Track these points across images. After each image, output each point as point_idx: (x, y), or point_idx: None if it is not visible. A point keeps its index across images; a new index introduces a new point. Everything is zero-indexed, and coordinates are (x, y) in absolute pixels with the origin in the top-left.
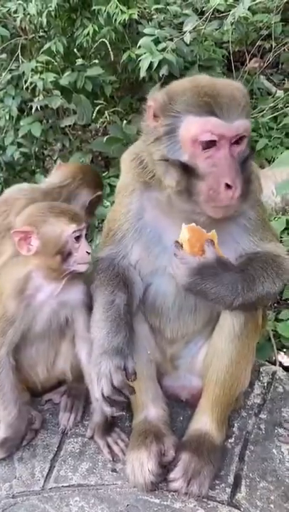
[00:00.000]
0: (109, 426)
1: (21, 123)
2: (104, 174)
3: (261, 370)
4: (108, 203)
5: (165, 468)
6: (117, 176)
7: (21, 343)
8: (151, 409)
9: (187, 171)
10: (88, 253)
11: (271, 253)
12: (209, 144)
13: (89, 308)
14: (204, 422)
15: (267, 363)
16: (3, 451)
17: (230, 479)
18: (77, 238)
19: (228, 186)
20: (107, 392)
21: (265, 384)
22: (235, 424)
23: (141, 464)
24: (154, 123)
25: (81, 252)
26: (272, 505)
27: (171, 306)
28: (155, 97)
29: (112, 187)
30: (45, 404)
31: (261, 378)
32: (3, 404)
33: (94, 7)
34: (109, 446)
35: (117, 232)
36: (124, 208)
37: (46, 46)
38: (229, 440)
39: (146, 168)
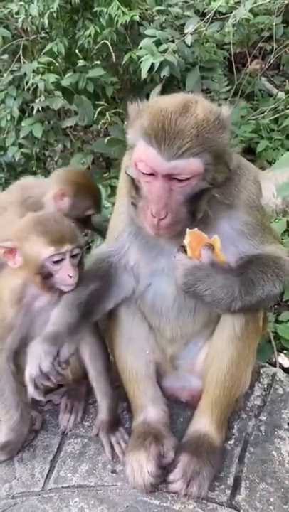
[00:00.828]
0: (114, 424)
1: (23, 124)
2: (105, 175)
3: (261, 371)
4: (109, 204)
5: (165, 469)
6: (118, 177)
7: (21, 348)
8: (150, 411)
9: (136, 187)
10: (71, 276)
11: (272, 255)
12: (147, 172)
13: None
14: (204, 423)
15: (267, 364)
16: (4, 454)
17: (230, 481)
18: (59, 260)
19: (153, 216)
20: (33, 375)
21: (265, 386)
22: (235, 426)
23: (140, 465)
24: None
25: (62, 275)
26: (271, 507)
27: (171, 306)
28: (130, 109)
29: (113, 188)
30: (45, 405)
31: (261, 380)
32: (4, 409)
33: (96, 8)
34: (111, 445)
35: (114, 230)
36: (119, 209)
37: (48, 47)
38: (229, 442)
39: None
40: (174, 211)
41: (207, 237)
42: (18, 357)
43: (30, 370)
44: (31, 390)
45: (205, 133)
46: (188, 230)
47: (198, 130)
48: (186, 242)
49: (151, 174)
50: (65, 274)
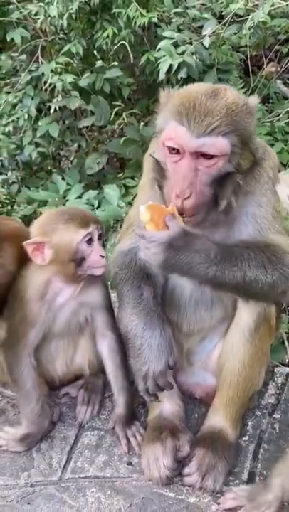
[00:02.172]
0: (130, 418)
1: (39, 123)
2: (119, 175)
3: (276, 371)
4: (123, 204)
5: (180, 463)
6: (132, 178)
7: (41, 341)
8: (166, 405)
9: (161, 169)
10: (102, 256)
11: (269, 240)
12: (174, 151)
13: (108, 306)
14: (219, 419)
15: (280, 364)
16: (23, 446)
17: (245, 476)
18: (90, 241)
19: (177, 196)
20: (152, 390)
21: (280, 385)
22: (250, 423)
23: (156, 458)
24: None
25: (94, 257)
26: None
27: (188, 300)
28: (162, 95)
29: (127, 188)
30: (63, 397)
31: (275, 379)
32: (26, 402)
33: (114, 10)
34: (127, 439)
35: (136, 226)
36: (141, 203)
37: (66, 48)
38: (243, 438)
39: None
40: (198, 192)
41: (164, 206)
42: (38, 351)
43: (148, 387)
44: (149, 399)
45: (234, 115)
46: (141, 206)
47: (227, 111)
48: (144, 218)
49: (179, 154)
50: (97, 255)
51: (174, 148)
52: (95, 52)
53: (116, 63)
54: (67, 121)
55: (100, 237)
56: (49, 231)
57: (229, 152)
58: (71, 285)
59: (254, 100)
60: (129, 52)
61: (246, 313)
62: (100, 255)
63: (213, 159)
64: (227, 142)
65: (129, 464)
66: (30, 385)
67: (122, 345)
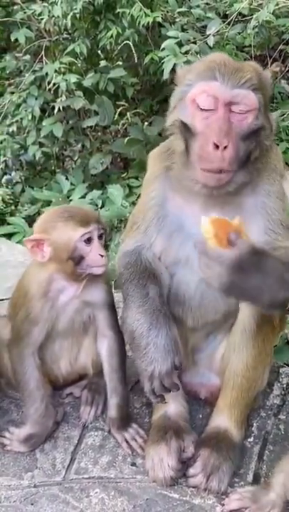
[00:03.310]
0: (124, 421)
1: (43, 123)
2: (123, 175)
3: (281, 371)
4: (127, 203)
5: (184, 464)
6: (136, 177)
7: (45, 340)
8: (170, 405)
9: (188, 132)
10: (102, 255)
11: (284, 247)
12: (206, 106)
13: (110, 305)
14: (223, 420)
15: (285, 365)
16: (27, 447)
17: (250, 478)
18: (89, 240)
19: (216, 146)
20: (158, 391)
21: (285, 385)
22: (255, 424)
23: (160, 459)
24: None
25: (93, 256)
26: None
27: (194, 294)
28: (179, 71)
29: (131, 188)
30: (66, 397)
31: (281, 380)
32: (30, 402)
33: (118, 10)
34: (127, 442)
35: (141, 224)
36: (148, 197)
37: (70, 48)
38: (248, 439)
39: (170, 155)
40: (234, 143)
41: (228, 220)
42: (42, 351)
43: (154, 388)
44: (155, 400)
45: (259, 75)
46: (203, 218)
47: (255, 70)
48: (207, 232)
49: (210, 110)
50: (96, 254)
51: (205, 108)
52: (98, 52)
53: (120, 63)
54: (71, 121)
55: (101, 236)
56: (49, 228)
57: (258, 107)
58: (73, 283)
59: (268, 73)
60: (133, 52)
61: (248, 315)
62: (100, 254)
63: (244, 115)
64: (257, 97)
65: (133, 464)
66: (34, 384)
67: (122, 347)
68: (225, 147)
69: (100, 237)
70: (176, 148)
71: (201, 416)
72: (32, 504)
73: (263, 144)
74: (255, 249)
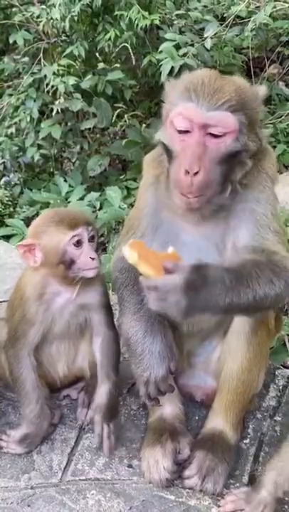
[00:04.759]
0: (111, 413)
1: (42, 125)
2: (121, 177)
3: (277, 373)
4: (125, 205)
5: (180, 466)
6: (134, 179)
7: (41, 342)
8: (166, 407)
9: (169, 152)
10: (93, 258)
11: (267, 250)
12: (182, 128)
13: (106, 307)
14: (219, 422)
15: (282, 367)
16: (23, 447)
17: (245, 479)
18: (79, 243)
19: (186, 172)
20: (153, 395)
21: (281, 387)
22: (250, 426)
23: (156, 461)
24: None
25: (84, 259)
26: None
27: None
28: (167, 84)
29: (129, 190)
30: (63, 399)
31: (277, 381)
32: (25, 403)
33: (116, 12)
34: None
35: (136, 230)
36: (142, 204)
37: (68, 50)
38: (244, 441)
39: (161, 163)
40: (207, 168)
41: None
42: (40, 353)
43: (149, 392)
44: (150, 404)
45: (242, 94)
46: (124, 247)
47: (236, 90)
48: (132, 259)
49: (187, 132)
50: (87, 257)
51: (181, 130)
52: (97, 54)
53: (118, 65)
54: (69, 123)
55: (92, 238)
56: (40, 233)
57: (237, 129)
58: (67, 287)
59: (262, 89)
60: (131, 54)
61: (244, 318)
62: (90, 257)
63: (222, 137)
64: (235, 118)
65: (130, 466)
66: (30, 385)
67: (116, 341)
68: (195, 173)
69: (91, 239)
70: (164, 163)
71: (197, 418)
72: (29, 506)
73: (245, 165)
74: (195, 265)
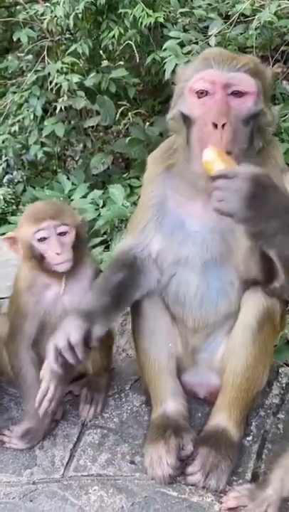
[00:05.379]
0: (105, 385)
1: (45, 123)
2: (124, 175)
3: (280, 371)
4: (128, 203)
5: (183, 462)
6: (137, 178)
7: (41, 337)
8: (170, 404)
9: (188, 121)
10: (58, 254)
11: None
12: (203, 92)
13: None
14: (222, 419)
15: (285, 365)
16: (25, 443)
17: (248, 476)
18: (44, 238)
19: (214, 125)
20: (59, 344)
21: (284, 385)
22: (253, 423)
23: (159, 457)
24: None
25: (50, 254)
26: None
27: (194, 295)
28: (178, 70)
29: (132, 188)
30: (66, 395)
31: (280, 379)
32: (26, 398)
33: (120, 10)
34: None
35: (139, 223)
36: (147, 197)
37: (72, 48)
38: (247, 438)
39: (172, 155)
40: (232, 125)
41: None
42: (40, 348)
43: (56, 341)
44: (51, 360)
45: (257, 64)
46: (206, 150)
47: (251, 60)
48: (208, 157)
49: (208, 95)
50: (53, 252)
51: (202, 92)
52: (101, 52)
53: (122, 63)
54: (72, 121)
55: (64, 233)
56: (18, 227)
57: (256, 91)
58: (55, 280)
59: (269, 69)
60: (135, 52)
61: (250, 314)
62: (56, 252)
63: (243, 97)
64: (254, 81)
65: (132, 462)
66: (31, 380)
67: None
68: (223, 126)
69: (62, 233)
70: (178, 144)
71: (200, 415)
72: (31, 501)
73: (266, 132)
74: (269, 175)
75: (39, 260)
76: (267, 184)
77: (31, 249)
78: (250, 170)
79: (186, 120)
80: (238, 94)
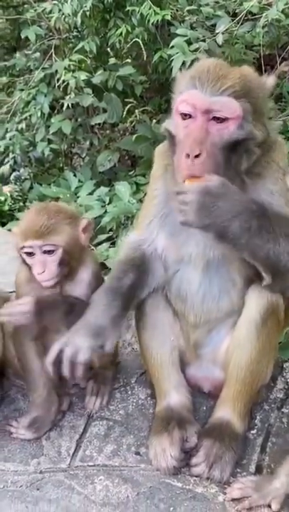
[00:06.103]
0: (111, 378)
1: (52, 120)
2: (130, 173)
3: (285, 366)
4: (134, 200)
5: (187, 454)
6: (143, 175)
7: (47, 330)
8: (174, 396)
9: (174, 141)
10: (39, 273)
11: None
12: (187, 115)
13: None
14: (227, 412)
15: None
16: (32, 433)
17: (252, 468)
18: (31, 254)
19: (187, 155)
20: (67, 354)
21: (288, 380)
22: (258, 417)
23: (163, 449)
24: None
25: (34, 270)
26: None
27: (196, 292)
28: (178, 75)
29: (138, 185)
30: (72, 387)
31: (284, 374)
32: (32, 388)
33: (128, 8)
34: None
35: (145, 218)
36: (152, 194)
37: (79, 46)
38: (251, 431)
39: (170, 155)
40: (208, 152)
41: None
42: (47, 341)
43: (64, 349)
44: (49, 362)
45: (247, 82)
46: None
47: (240, 77)
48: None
49: (190, 118)
50: (36, 271)
51: (186, 114)
52: (108, 49)
53: (129, 61)
54: (79, 119)
55: (49, 252)
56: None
57: (241, 115)
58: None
59: (270, 79)
60: (143, 50)
61: (254, 308)
62: (37, 272)
63: (225, 123)
64: (239, 105)
65: (137, 453)
66: (37, 371)
67: None
68: (196, 156)
69: (47, 252)
70: (170, 153)
71: (204, 408)
72: (38, 489)
73: (253, 154)
74: (226, 181)
75: (29, 268)
76: (217, 192)
77: (21, 258)
78: (200, 184)
79: (173, 139)
80: (219, 120)
